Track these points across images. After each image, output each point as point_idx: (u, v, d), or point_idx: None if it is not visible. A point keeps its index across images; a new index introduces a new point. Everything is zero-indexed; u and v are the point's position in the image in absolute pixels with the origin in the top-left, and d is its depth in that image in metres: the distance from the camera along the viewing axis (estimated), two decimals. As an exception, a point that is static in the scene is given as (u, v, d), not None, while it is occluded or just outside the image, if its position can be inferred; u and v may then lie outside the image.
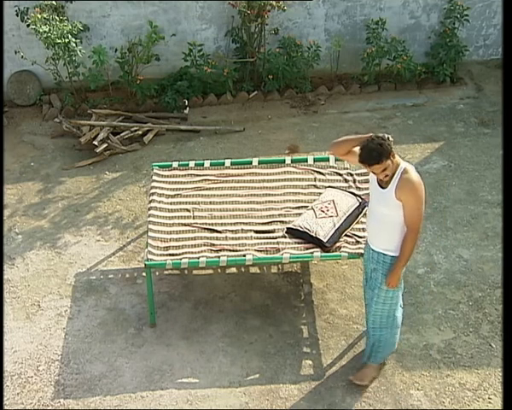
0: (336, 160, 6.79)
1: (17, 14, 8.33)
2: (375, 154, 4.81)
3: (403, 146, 8.00)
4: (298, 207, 6.25)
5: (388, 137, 4.90)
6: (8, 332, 6.03)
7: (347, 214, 6.00)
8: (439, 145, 8.01)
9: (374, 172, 4.93)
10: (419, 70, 8.86)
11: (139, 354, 5.82)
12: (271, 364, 5.70)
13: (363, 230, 6.00)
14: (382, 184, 5.00)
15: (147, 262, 5.80)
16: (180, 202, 6.38)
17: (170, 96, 8.56)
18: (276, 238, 5.97)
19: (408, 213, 4.93)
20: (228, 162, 6.78)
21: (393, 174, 4.93)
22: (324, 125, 8.45)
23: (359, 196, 6.22)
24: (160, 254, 5.88)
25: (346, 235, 5.94)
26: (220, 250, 5.90)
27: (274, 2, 8.39)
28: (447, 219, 7.00)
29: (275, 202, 6.34)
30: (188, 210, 6.30)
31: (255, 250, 5.86)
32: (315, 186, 6.48)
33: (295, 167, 6.69)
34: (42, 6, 8.16)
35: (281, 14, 8.70)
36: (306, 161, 6.81)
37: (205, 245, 5.95)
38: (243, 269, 6.49)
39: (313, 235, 5.84)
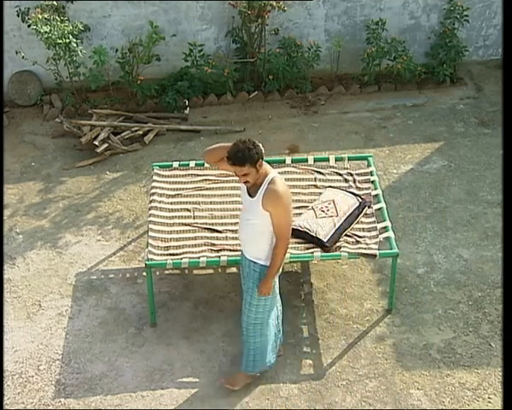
0: (336, 160, 6.81)
1: (18, 15, 8.33)
2: (240, 155, 4.83)
3: (403, 146, 8.02)
4: (298, 207, 6.25)
5: (259, 146, 4.89)
6: (8, 332, 6.04)
7: (347, 214, 6.01)
8: (439, 145, 8.03)
9: (236, 173, 4.93)
10: (419, 70, 8.87)
11: (139, 354, 5.83)
12: (271, 363, 5.72)
13: (364, 230, 6.02)
14: (251, 193, 5.01)
15: (147, 262, 5.81)
16: (180, 202, 6.39)
17: (170, 97, 8.57)
18: (276, 238, 5.97)
19: (275, 222, 4.94)
20: (228, 162, 6.78)
21: (261, 183, 4.94)
22: (324, 125, 8.46)
23: (359, 196, 6.23)
24: (161, 254, 5.89)
25: (346, 235, 5.95)
26: (220, 250, 5.90)
27: (274, 3, 8.40)
28: (447, 219, 7.01)
29: (275, 201, 6.34)
30: (188, 210, 6.31)
31: (255, 250, 5.87)
32: (315, 186, 6.49)
33: (295, 167, 6.70)
34: (43, 6, 8.16)
35: (281, 14, 8.70)
36: (306, 161, 6.82)
37: (205, 245, 5.96)
38: (243, 269, 6.50)
39: (313, 235, 5.85)
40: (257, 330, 5.34)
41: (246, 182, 4.95)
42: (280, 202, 4.91)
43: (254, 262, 5.15)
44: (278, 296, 5.47)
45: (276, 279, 5.29)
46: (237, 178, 6.49)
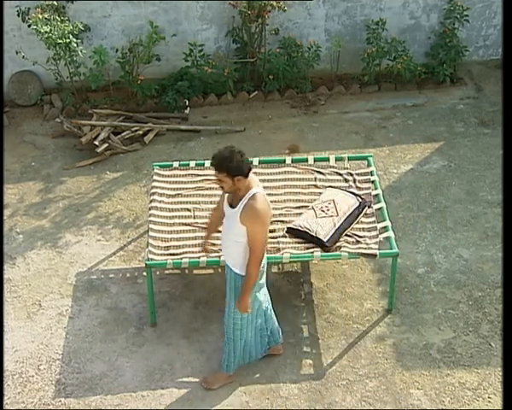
0: (336, 160, 6.81)
1: (18, 15, 8.34)
2: (219, 160, 4.86)
3: (403, 146, 8.03)
4: (298, 207, 6.26)
5: (244, 162, 4.86)
6: (9, 331, 6.04)
7: (347, 214, 6.01)
8: (439, 145, 8.03)
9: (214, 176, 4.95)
10: (419, 70, 8.87)
11: (140, 354, 5.83)
12: (272, 363, 5.71)
13: (364, 229, 6.02)
14: (233, 203, 5.03)
15: (147, 262, 5.82)
16: (181, 202, 6.39)
17: (170, 96, 8.57)
18: (276, 238, 5.98)
19: (250, 237, 4.96)
20: (228, 162, 6.78)
21: (243, 196, 4.95)
22: (324, 125, 8.46)
23: (359, 196, 6.23)
24: (161, 254, 5.89)
25: (346, 235, 5.95)
26: (221, 250, 5.90)
27: (274, 3, 8.40)
28: (447, 219, 7.02)
29: (275, 201, 6.34)
30: (188, 210, 6.32)
31: (255, 250, 5.87)
32: (315, 186, 6.50)
33: (296, 167, 6.70)
34: (43, 6, 8.17)
35: (281, 14, 8.71)
36: (307, 160, 6.82)
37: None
38: (244, 269, 6.50)
39: (313, 235, 5.85)
40: (237, 335, 5.37)
41: (221, 188, 5.00)
42: (257, 220, 4.92)
43: (231, 269, 5.20)
44: (266, 296, 5.46)
45: (262, 282, 5.29)
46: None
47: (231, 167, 4.84)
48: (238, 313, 5.26)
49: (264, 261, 5.23)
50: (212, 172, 6.56)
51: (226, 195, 5.12)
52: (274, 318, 5.63)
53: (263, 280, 5.32)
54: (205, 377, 5.58)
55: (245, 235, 4.98)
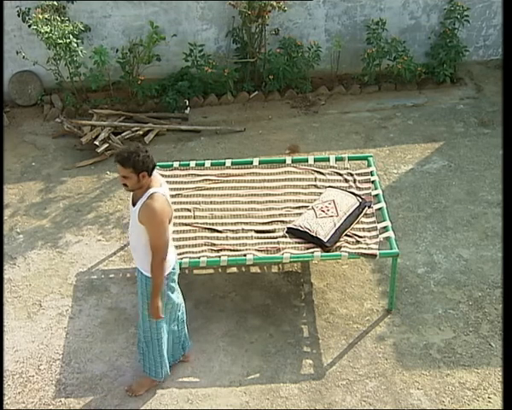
0: (336, 160, 6.81)
1: (18, 15, 8.35)
2: (124, 155, 4.81)
3: (403, 146, 8.03)
4: (298, 207, 6.26)
5: (149, 158, 4.84)
6: (9, 331, 6.05)
7: (348, 214, 6.02)
8: (439, 145, 8.03)
9: (118, 172, 4.91)
10: (419, 70, 8.88)
11: (140, 354, 5.84)
12: (272, 363, 5.72)
13: (364, 229, 6.03)
14: (134, 202, 4.98)
15: (148, 262, 5.82)
16: (181, 202, 6.40)
17: (171, 97, 8.58)
18: (276, 238, 5.98)
19: (149, 237, 4.91)
20: (228, 162, 6.80)
21: (143, 195, 4.91)
22: (325, 125, 8.47)
23: (359, 196, 6.23)
24: (161, 254, 5.89)
25: (346, 235, 5.96)
26: (221, 250, 5.91)
27: (274, 3, 8.41)
28: (447, 219, 7.02)
29: (275, 201, 6.35)
30: (188, 210, 6.32)
31: (256, 250, 5.88)
32: (315, 186, 6.50)
33: (296, 167, 6.71)
34: (43, 6, 8.18)
35: (281, 14, 8.71)
36: (307, 161, 6.82)
37: (205, 245, 5.97)
38: (244, 269, 6.51)
39: (313, 235, 5.85)
40: (147, 337, 5.31)
41: (124, 185, 4.92)
42: (153, 220, 4.85)
43: (138, 269, 5.16)
44: (179, 299, 5.40)
45: (175, 285, 5.25)
46: (237, 178, 6.59)
47: (137, 162, 4.77)
48: (148, 322, 5.23)
49: (175, 264, 5.18)
50: (213, 171, 6.68)
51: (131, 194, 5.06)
52: (185, 324, 5.57)
53: (175, 284, 5.25)
54: (129, 386, 5.52)
55: (145, 234, 4.91)
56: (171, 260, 5.14)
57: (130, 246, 5.25)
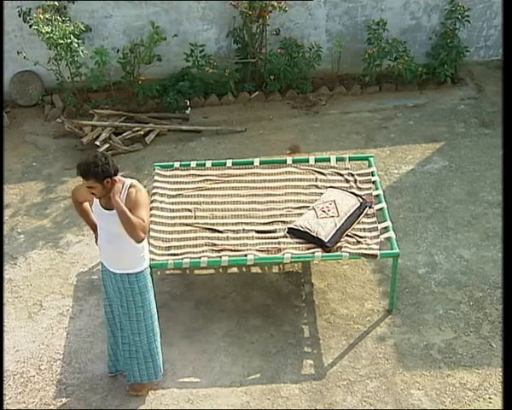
0: (337, 160, 6.82)
1: (19, 15, 8.35)
2: (84, 167, 4.78)
3: (404, 146, 8.03)
4: (299, 208, 6.26)
5: (110, 163, 4.80)
6: (10, 331, 6.05)
7: (348, 214, 6.02)
8: (439, 146, 8.03)
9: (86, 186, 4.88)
10: (420, 71, 8.87)
11: (141, 354, 5.83)
12: (272, 363, 5.72)
13: (365, 230, 6.03)
14: (108, 207, 4.96)
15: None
16: (182, 202, 6.40)
17: (171, 97, 8.58)
18: (277, 238, 5.98)
19: (138, 209, 4.86)
20: (229, 162, 6.80)
21: (121, 194, 4.89)
22: (325, 125, 8.47)
23: (360, 197, 6.24)
24: (162, 254, 5.89)
25: (347, 235, 5.96)
26: (221, 250, 5.91)
27: (275, 3, 8.41)
28: (448, 220, 7.02)
29: (276, 202, 6.35)
30: (189, 210, 6.32)
31: (256, 250, 5.88)
32: (316, 186, 6.50)
33: (296, 168, 6.71)
34: (44, 6, 8.17)
35: (282, 14, 8.71)
36: (307, 161, 6.82)
37: (206, 245, 5.97)
38: (244, 269, 6.51)
39: (314, 235, 5.85)
40: (150, 338, 5.32)
41: (93, 194, 4.91)
42: (142, 198, 4.90)
43: (128, 274, 5.10)
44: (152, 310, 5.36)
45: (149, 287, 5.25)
46: (238, 179, 6.60)
47: (97, 172, 4.76)
48: (149, 319, 5.24)
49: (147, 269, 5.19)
50: (214, 171, 6.68)
51: (95, 203, 5.02)
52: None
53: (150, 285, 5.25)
54: (132, 385, 5.50)
55: None
56: (147, 259, 5.20)
57: (113, 257, 5.12)
